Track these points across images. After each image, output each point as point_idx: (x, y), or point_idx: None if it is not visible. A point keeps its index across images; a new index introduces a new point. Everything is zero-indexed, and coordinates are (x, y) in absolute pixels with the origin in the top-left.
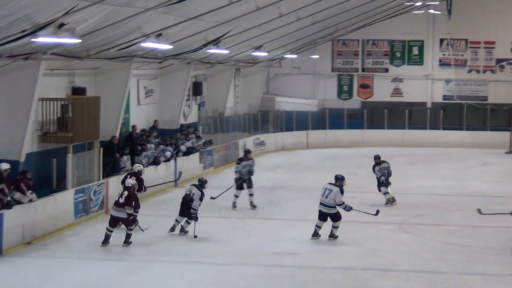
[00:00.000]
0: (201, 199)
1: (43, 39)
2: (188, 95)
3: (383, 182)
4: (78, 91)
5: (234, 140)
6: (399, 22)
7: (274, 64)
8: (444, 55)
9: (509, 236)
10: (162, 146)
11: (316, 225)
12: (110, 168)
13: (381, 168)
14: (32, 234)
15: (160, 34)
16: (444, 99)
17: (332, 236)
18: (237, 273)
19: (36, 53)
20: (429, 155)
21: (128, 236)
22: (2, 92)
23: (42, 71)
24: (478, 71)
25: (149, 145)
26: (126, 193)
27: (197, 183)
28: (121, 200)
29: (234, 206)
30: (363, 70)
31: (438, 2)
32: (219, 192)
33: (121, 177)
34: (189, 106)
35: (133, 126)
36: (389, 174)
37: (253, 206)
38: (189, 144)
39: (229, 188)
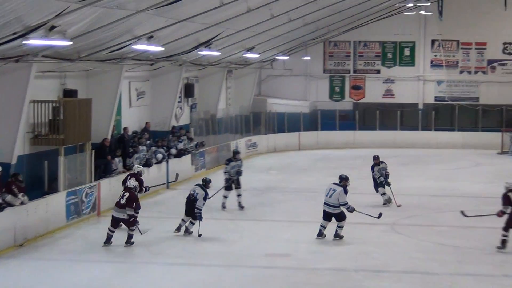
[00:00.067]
0: (205, 198)
1: (34, 42)
2: (180, 97)
3: (381, 183)
4: (69, 93)
5: (226, 141)
6: (390, 23)
7: (265, 66)
8: (435, 56)
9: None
10: (153, 148)
11: (321, 225)
12: (102, 170)
13: (380, 168)
14: (24, 236)
15: (152, 36)
16: (435, 100)
17: (337, 236)
18: (229, 274)
19: (27, 55)
20: (421, 156)
21: (129, 236)
22: None
23: (33, 74)
24: (469, 72)
25: (140, 147)
26: (127, 194)
27: (201, 183)
28: (122, 201)
29: (223, 206)
30: (354, 71)
31: (429, 3)
32: (211, 193)
33: (113, 178)
34: (181, 108)
35: (125, 128)
36: (387, 175)
37: (240, 207)
38: (181, 146)
39: (220, 189)
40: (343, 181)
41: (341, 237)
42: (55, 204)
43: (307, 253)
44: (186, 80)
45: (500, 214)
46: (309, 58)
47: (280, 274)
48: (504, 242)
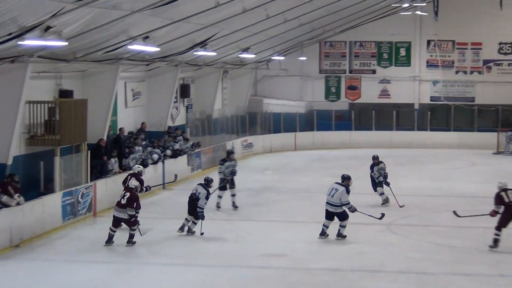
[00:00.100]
0: (207, 197)
1: (29, 42)
2: (176, 97)
3: (380, 182)
4: (65, 93)
5: (222, 142)
6: (386, 23)
7: (261, 66)
8: (431, 56)
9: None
10: (149, 149)
11: (323, 225)
12: (98, 171)
13: (379, 168)
14: (20, 237)
15: (147, 37)
16: (431, 100)
17: (340, 235)
18: (225, 275)
19: (23, 56)
20: (417, 156)
21: (131, 236)
22: None
23: (29, 74)
24: (465, 72)
25: (136, 148)
26: (128, 194)
27: (203, 182)
28: (123, 201)
29: (218, 206)
30: (350, 71)
31: (425, 4)
32: None
33: (109, 179)
34: (176, 108)
35: (121, 129)
36: (386, 176)
37: (234, 207)
38: (176, 146)
39: (215, 190)
40: (346, 180)
41: (344, 237)
42: (51, 204)
43: (303, 253)
44: (182, 80)
45: (493, 213)
46: (305, 58)
47: (276, 274)
48: (496, 241)
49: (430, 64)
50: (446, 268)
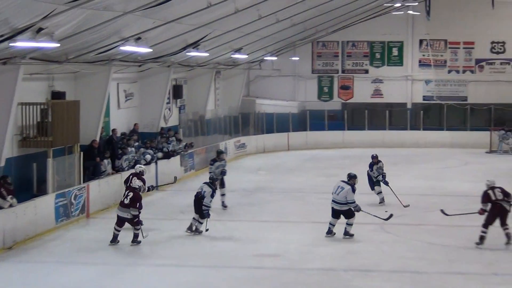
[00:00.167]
0: (212, 196)
1: (21, 44)
2: (168, 98)
3: (378, 181)
4: (57, 95)
5: (215, 142)
6: (378, 23)
7: (254, 66)
8: (423, 55)
9: (489, 235)
10: (142, 150)
11: (329, 223)
12: (91, 172)
13: (378, 167)
14: (13, 239)
15: (139, 38)
16: (424, 99)
17: (347, 234)
18: (218, 275)
19: (15, 57)
20: (410, 156)
21: (135, 235)
22: None
23: (21, 76)
24: (457, 72)
25: (129, 149)
26: (131, 194)
27: (208, 180)
28: (126, 201)
29: None
30: (343, 71)
31: (417, 3)
32: None
33: (102, 180)
34: (169, 109)
35: (113, 130)
36: (384, 175)
37: (224, 206)
38: (169, 147)
39: None
40: (352, 179)
41: (351, 235)
42: (44, 206)
43: (296, 253)
44: (175, 81)
45: (481, 212)
46: (297, 58)
47: (270, 274)
48: (482, 238)
49: (423, 64)
50: (439, 267)
